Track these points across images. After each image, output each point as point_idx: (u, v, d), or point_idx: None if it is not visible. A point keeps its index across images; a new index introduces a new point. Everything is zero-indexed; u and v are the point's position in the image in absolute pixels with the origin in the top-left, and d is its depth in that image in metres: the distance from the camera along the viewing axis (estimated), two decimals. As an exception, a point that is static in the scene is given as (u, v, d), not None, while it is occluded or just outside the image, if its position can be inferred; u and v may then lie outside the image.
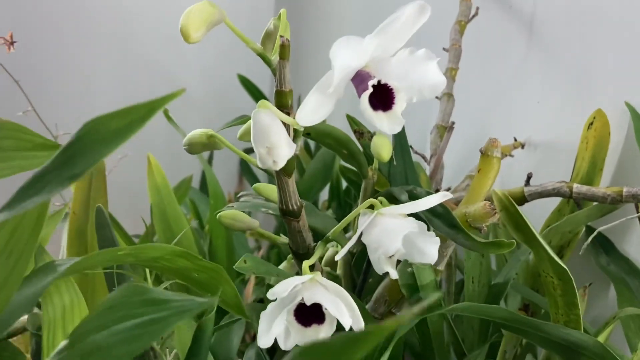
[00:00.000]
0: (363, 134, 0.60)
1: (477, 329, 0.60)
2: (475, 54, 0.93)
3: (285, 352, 0.40)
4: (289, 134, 0.40)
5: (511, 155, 0.82)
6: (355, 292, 0.57)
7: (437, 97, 0.83)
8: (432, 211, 0.48)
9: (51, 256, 0.41)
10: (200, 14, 0.36)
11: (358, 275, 0.58)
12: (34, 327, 0.73)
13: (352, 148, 0.57)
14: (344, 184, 1.06)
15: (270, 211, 0.53)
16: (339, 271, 0.61)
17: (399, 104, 0.35)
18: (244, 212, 0.52)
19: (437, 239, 0.41)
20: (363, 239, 0.40)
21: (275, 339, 0.39)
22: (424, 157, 0.79)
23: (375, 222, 0.40)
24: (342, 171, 0.95)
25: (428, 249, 0.41)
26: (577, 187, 0.65)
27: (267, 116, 0.34)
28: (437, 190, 0.72)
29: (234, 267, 0.40)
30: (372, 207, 0.42)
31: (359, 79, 0.35)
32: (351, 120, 0.60)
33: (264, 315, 0.37)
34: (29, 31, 1.37)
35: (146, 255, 0.37)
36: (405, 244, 0.42)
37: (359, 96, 0.35)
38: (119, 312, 0.28)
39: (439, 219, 0.48)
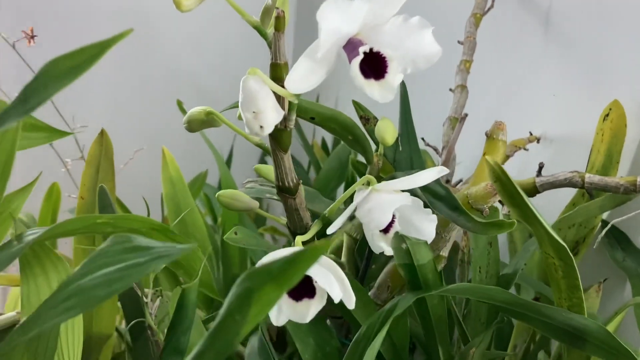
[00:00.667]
0: (369, 119, 0.59)
1: (485, 319, 0.59)
2: (492, 46, 0.92)
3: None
4: (283, 107, 0.39)
5: (526, 149, 0.81)
6: (358, 278, 0.57)
7: (450, 90, 0.82)
8: (434, 194, 0.47)
9: (23, 226, 0.41)
10: (193, -18, 0.35)
11: (362, 261, 0.58)
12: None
13: (357, 133, 0.57)
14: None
15: (275, 197, 0.53)
16: (343, 258, 0.60)
17: (392, 72, 0.35)
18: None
19: (434, 217, 0.40)
20: (357, 214, 0.39)
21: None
22: (435, 149, 0.78)
23: (369, 197, 0.39)
24: (354, 165, 0.95)
25: (425, 226, 0.40)
26: (589, 177, 0.63)
27: (254, 82, 0.34)
28: (447, 182, 0.71)
29: (224, 238, 0.40)
30: (369, 184, 0.41)
31: (351, 46, 0.34)
32: (357, 106, 0.60)
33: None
34: (51, 25, 1.39)
35: (125, 226, 0.37)
36: (401, 222, 0.41)
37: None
38: (104, 260, 0.28)
39: (440, 202, 0.47)
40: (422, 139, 0.82)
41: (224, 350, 0.23)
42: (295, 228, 0.46)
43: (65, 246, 0.81)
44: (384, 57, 0.35)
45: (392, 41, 0.35)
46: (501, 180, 0.39)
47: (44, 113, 0.96)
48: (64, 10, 1.44)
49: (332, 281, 0.36)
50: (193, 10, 0.36)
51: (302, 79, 0.34)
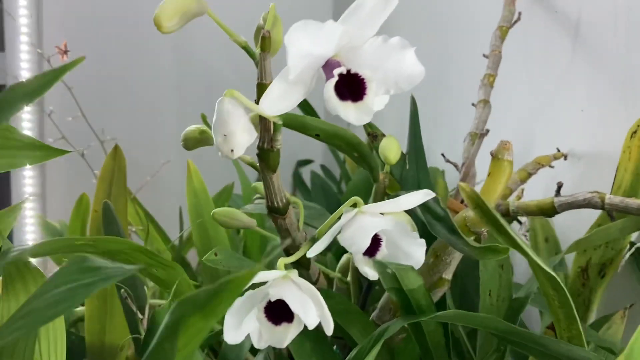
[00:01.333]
0: (377, 136, 0.58)
1: (496, 346, 0.57)
2: (519, 60, 0.90)
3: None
4: (269, 128, 0.39)
5: (551, 166, 0.78)
6: (360, 298, 0.56)
7: (473, 105, 0.80)
8: (434, 215, 0.46)
9: (10, 243, 0.42)
10: (174, 4, 0.36)
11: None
12: (66, 323, 0.76)
13: (363, 151, 0.56)
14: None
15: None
16: (349, 278, 0.59)
17: (371, 94, 0.34)
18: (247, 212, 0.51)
19: (422, 241, 0.39)
20: (339, 237, 0.38)
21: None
22: (455, 166, 0.76)
23: (354, 220, 0.38)
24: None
25: (413, 251, 0.39)
26: (609, 198, 0.60)
27: (229, 104, 0.34)
28: (462, 201, 0.69)
29: (202, 259, 0.40)
30: (356, 205, 0.40)
31: (329, 68, 0.34)
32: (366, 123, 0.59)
33: (230, 311, 0.36)
34: (83, 40, 1.44)
35: (105, 247, 0.37)
36: (390, 246, 0.40)
37: (330, 86, 0.34)
38: (60, 279, 0.29)
39: (440, 223, 0.46)
40: (442, 154, 0.81)
41: None
42: (288, 247, 0.45)
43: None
44: (362, 79, 0.34)
45: (372, 62, 0.34)
46: (480, 207, 0.37)
47: (75, 125, 0.99)
48: (101, 25, 1.49)
49: (307, 307, 0.35)
50: (175, 30, 0.36)
51: (276, 101, 0.33)
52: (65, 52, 0.98)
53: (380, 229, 0.37)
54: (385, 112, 0.55)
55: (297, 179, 1.62)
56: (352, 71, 0.34)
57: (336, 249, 1.00)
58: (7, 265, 0.33)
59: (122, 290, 0.47)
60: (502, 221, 0.36)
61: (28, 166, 0.65)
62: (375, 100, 0.34)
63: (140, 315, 0.47)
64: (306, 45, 0.32)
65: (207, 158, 1.04)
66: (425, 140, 1.13)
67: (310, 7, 1.55)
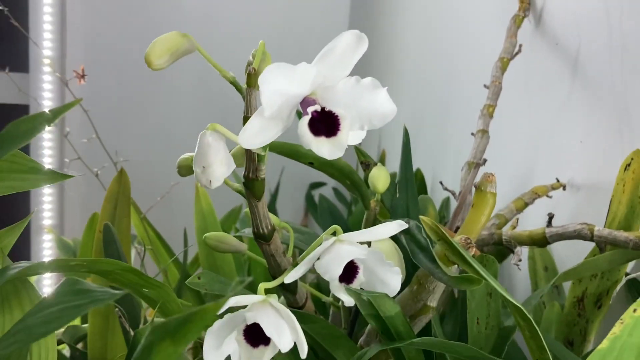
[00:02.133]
0: (369, 165, 0.60)
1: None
2: (520, 91, 0.91)
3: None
4: (254, 158, 0.41)
5: (548, 196, 0.79)
6: (349, 323, 0.57)
7: (472, 134, 0.82)
8: (417, 244, 0.48)
9: (10, 261, 0.45)
10: (165, 43, 0.38)
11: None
12: (71, 340, 0.78)
13: (354, 179, 0.58)
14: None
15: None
16: (340, 303, 0.61)
17: (344, 130, 0.36)
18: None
19: (398, 269, 0.40)
20: (316, 265, 0.40)
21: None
22: (453, 194, 0.78)
23: (331, 248, 0.40)
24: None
25: (388, 278, 0.41)
26: (598, 230, 0.61)
27: (211, 137, 0.36)
28: (457, 228, 0.70)
29: (186, 282, 0.41)
30: (335, 234, 0.42)
31: (305, 105, 0.36)
32: (359, 152, 0.61)
33: (210, 331, 0.38)
34: (103, 65, 1.49)
35: (98, 268, 0.40)
36: (367, 274, 0.42)
37: (306, 122, 0.36)
38: (54, 300, 0.31)
39: (422, 253, 0.47)
40: (440, 182, 0.82)
41: None
42: (274, 273, 0.47)
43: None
44: (336, 116, 0.36)
45: (346, 100, 0.36)
46: (444, 240, 0.39)
47: (90, 147, 1.02)
48: (120, 51, 1.54)
49: (281, 331, 0.37)
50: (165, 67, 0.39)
51: (254, 135, 0.36)
52: (83, 76, 1.02)
53: (355, 257, 0.39)
54: (396, 140, 0.57)
55: (310, 202, 1.64)
56: (327, 109, 0.36)
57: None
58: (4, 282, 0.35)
59: (116, 309, 0.50)
60: (465, 253, 0.38)
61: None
62: (350, 135, 0.36)
63: (132, 333, 0.49)
64: (280, 85, 0.34)
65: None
66: (429, 167, 1.14)
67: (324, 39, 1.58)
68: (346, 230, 0.44)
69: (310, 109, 0.35)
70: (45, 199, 1.47)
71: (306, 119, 0.35)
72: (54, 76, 1.44)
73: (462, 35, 1.11)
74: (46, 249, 1.48)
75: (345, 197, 1.54)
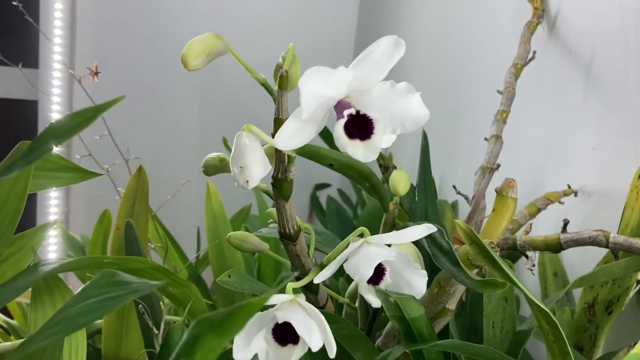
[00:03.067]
0: (388, 168, 0.60)
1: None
2: (534, 97, 0.92)
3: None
4: (284, 159, 0.42)
5: (561, 202, 0.79)
6: (367, 324, 0.57)
7: (485, 139, 0.82)
8: (438, 247, 0.48)
9: (39, 257, 0.45)
10: (201, 44, 0.39)
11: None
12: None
13: (374, 181, 0.58)
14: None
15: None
16: (357, 304, 0.61)
17: (378, 134, 0.36)
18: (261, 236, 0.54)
19: (424, 272, 0.41)
20: (345, 265, 0.40)
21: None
22: (466, 198, 0.78)
23: (359, 249, 0.41)
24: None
25: (415, 280, 0.41)
26: (613, 236, 0.62)
27: (247, 138, 0.37)
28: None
29: (216, 280, 0.42)
30: (362, 235, 0.43)
31: (340, 108, 0.37)
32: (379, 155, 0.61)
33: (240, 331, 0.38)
34: (113, 61, 1.50)
35: (128, 266, 0.40)
36: (393, 276, 0.43)
37: (341, 125, 0.36)
38: (90, 292, 0.31)
39: (444, 256, 0.48)
40: (454, 186, 0.83)
41: None
42: (299, 274, 0.47)
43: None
44: (371, 119, 0.36)
45: (380, 104, 0.37)
46: (476, 243, 0.39)
47: (101, 143, 1.03)
48: (131, 48, 1.54)
49: (311, 330, 0.37)
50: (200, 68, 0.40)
51: (290, 137, 0.36)
52: (96, 73, 1.02)
53: (384, 259, 0.39)
54: (404, 144, 0.57)
55: (315, 202, 1.65)
56: (361, 112, 0.36)
57: (348, 275, 1.02)
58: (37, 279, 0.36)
59: (140, 306, 0.50)
60: (496, 256, 0.38)
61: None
62: (382, 139, 0.37)
63: (155, 331, 0.50)
64: (319, 88, 0.34)
65: (225, 179, 1.07)
66: (440, 172, 1.15)
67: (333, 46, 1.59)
68: (353, 231, 0.44)
69: (346, 112, 0.36)
70: (52, 194, 1.47)
71: (342, 121, 0.36)
72: (63, 72, 1.45)
73: (475, 40, 1.12)
74: (51, 244, 1.48)
75: (350, 199, 1.55)
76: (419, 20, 1.38)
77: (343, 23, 1.69)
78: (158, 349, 0.49)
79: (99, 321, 0.76)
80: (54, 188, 1.42)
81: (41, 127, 1.46)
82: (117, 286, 0.31)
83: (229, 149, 1.01)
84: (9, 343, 0.52)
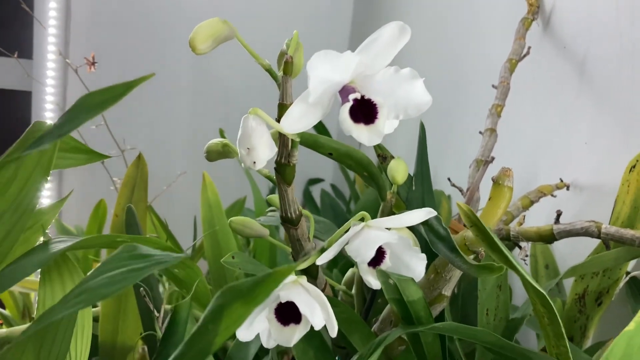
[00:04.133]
0: (386, 158, 0.61)
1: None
2: (527, 92, 0.93)
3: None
4: (287, 144, 0.42)
5: (553, 196, 0.81)
6: (364, 310, 0.58)
7: (480, 132, 0.83)
8: (436, 234, 0.49)
9: (49, 236, 0.46)
10: (208, 28, 0.39)
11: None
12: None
13: (372, 171, 0.59)
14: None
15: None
16: (353, 291, 0.62)
17: (382, 118, 0.37)
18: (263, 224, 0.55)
19: (423, 256, 0.42)
20: (346, 248, 0.41)
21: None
22: (460, 190, 0.79)
23: (360, 232, 0.42)
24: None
25: (414, 264, 0.42)
26: (605, 227, 0.63)
27: (253, 121, 0.38)
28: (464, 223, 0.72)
29: (221, 261, 0.43)
30: (363, 220, 0.44)
31: (345, 93, 0.37)
32: (376, 145, 0.62)
33: (243, 309, 0.39)
34: (108, 51, 1.50)
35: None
36: (393, 258, 0.43)
37: (346, 109, 0.37)
38: (112, 265, 0.32)
39: (441, 242, 0.49)
40: (449, 179, 0.84)
41: (199, 355, 0.26)
42: (298, 257, 0.48)
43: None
44: (375, 104, 0.37)
45: (384, 89, 0.37)
46: (477, 226, 0.40)
47: (97, 133, 1.03)
48: (125, 38, 1.54)
49: (314, 309, 0.38)
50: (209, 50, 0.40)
51: (296, 120, 0.37)
52: (93, 63, 1.03)
53: (385, 242, 0.40)
54: (398, 135, 0.58)
55: (308, 197, 1.66)
56: (366, 97, 0.37)
57: (342, 265, 1.03)
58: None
59: (141, 288, 0.51)
60: (496, 239, 0.39)
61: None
62: (386, 124, 0.38)
63: (157, 313, 0.50)
64: (326, 72, 0.35)
65: (221, 172, 1.08)
66: (434, 164, 1.16)
67: (328, 35, 1.60)
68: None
69: (351, 97, 0.36)
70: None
71: (347, 105, 0.36)
72: (57, 63, 1.44)
73: (470, 35, 1.13)
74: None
75: (344, 194, 1.56)
76: (416, 13, 1.39)
77: (339, 15, 1.70)
78: (159, 332, 0.49)
79: (95, 309, 0.77)
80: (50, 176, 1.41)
81: (34, 118, 1.45)
82: (139, 259, 0.31)
83: (225, 139, 1.01)
84: (4, 330, 0.52)
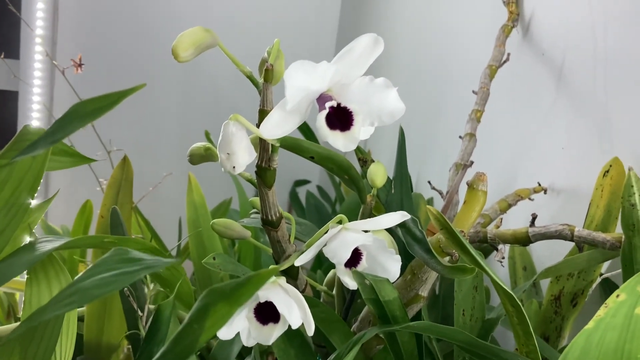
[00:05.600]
0: (366, 161, 0.63)
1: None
2: (506, 98, 0.95)
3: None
4: (268, 149, 0.44)
5: (530, 199, 0.83)
6: (343, 310, 0.60)
7: (460, 137, 0.85)
8: (412, 236, 0.51)
9: (36, 236, 0.47)
10: (190, 37, 0.41)
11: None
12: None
13: (352, 174, 0.61)
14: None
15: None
16: (334, 291, 0.64)
17: (357, 125, 0.39)
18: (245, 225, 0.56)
19: (398, 257, 0.44)
20: (324, 249, 0.43)
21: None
22: (440, 193, 0.81)
23: (338, 234, 0.43)
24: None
25: (389, 265, 0.44)
26: (578, 230, 0.65)
27: (233, 127, 0.39)
28: (444, 225, 0.73)
29: (202, 262, 0.44)
30: (341, 222, 0.45)
31: (322, 100, 0.39)
32: (356, 149, 0.64)
33: (223, 308, 0.41)
34: (95, 53, 1.50)
35: (126, 246, 0.42)
36: (369, 260, 0.45)
37: (322, 116, 0.39)
38: (103, 267, 0.33)
39: (418, 244, 0.50)
40: (429, 182, 0.86)
41: (184, 353, 0.27)
42: (279, 258, 0.50)
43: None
44: (351, 112, 0.39)
45: (359, 98, 0.39)
46: (447, 229, 0.42)
47: (84, 134, 1.04)
48: (112, 40, 1.55)
49: (292, 309, 0.40)
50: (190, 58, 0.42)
51: (274, 127, 0.38)
52: (80, 65, 1.03)
53: (361, 244, 0.42)
54: (382, 140, 0.60)
55: (294, 198, 1.67)
56: (342, 105, 0.39)
57: (326, 267, 1.04)
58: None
59: (125, 289, 0.52)
60: (465, 242, 0.41)
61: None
62: (361, 130, 0.39)
63: (140, 313, 0.52)
64: (302, 82, 0.37)
65: (207, 173, 1.09)
66: (416, 167, 1.18)
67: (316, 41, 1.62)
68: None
69: (327, 104, 0.38)
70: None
71: (324, 113, 0.38)
72: (44, 64, 1.45)
73: (452, 42, 1.15)
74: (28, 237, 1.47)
75: (329, 196, 1.57)
76: (399, 19, 1.41)
77: (325, 20, 1.72)
78: (143, 331, 0.51)
79: (81, 309, 0.78)
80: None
81: (21, 118, 1.46)
82: (131, 262, 0.32)
83: (211, 141, 1.02)
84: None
